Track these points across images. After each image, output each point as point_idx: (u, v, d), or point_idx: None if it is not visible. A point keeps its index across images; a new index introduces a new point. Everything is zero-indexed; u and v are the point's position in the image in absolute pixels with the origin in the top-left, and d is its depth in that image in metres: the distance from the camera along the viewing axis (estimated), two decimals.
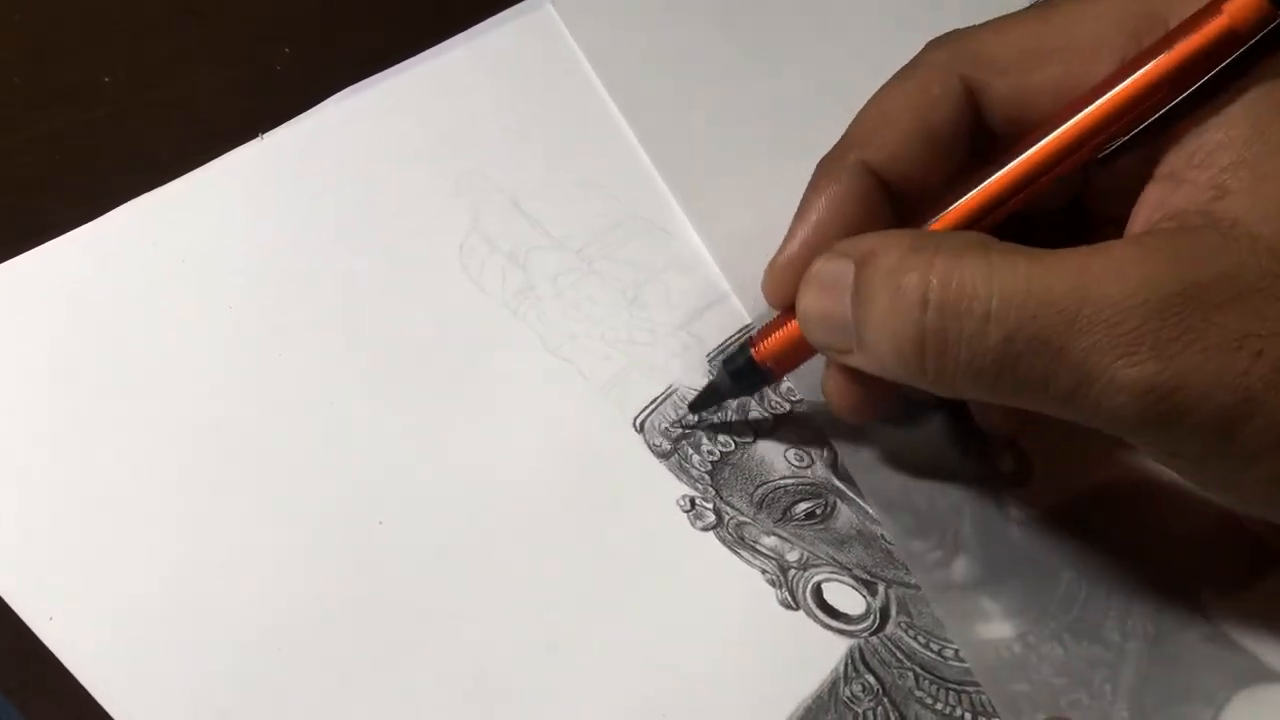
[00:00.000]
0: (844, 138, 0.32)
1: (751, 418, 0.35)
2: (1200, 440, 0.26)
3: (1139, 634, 0.32)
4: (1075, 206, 0.33)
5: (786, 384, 0.36)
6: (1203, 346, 0.24)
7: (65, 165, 0.39)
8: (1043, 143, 0.29)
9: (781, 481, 0.34)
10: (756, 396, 0.35)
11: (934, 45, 0.31)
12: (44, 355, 0.34)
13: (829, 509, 0.34)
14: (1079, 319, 0.25)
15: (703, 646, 0.31)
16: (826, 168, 0.31)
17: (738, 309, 0.37)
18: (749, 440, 0.34)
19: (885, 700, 0.31)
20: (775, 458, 0.34)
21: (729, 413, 0.35)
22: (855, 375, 0.31)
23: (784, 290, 0.32)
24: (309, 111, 0.39)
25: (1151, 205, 0.27)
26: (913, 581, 0.33)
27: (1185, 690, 0.31)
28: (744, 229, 0.38)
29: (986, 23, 0.31)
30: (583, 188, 0.39)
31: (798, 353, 0.32)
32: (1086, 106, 0.28)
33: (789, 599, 0.32)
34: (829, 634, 0.32)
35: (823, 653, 0.31)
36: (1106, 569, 0.33)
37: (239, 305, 0.35)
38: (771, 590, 0.32)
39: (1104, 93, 0.28)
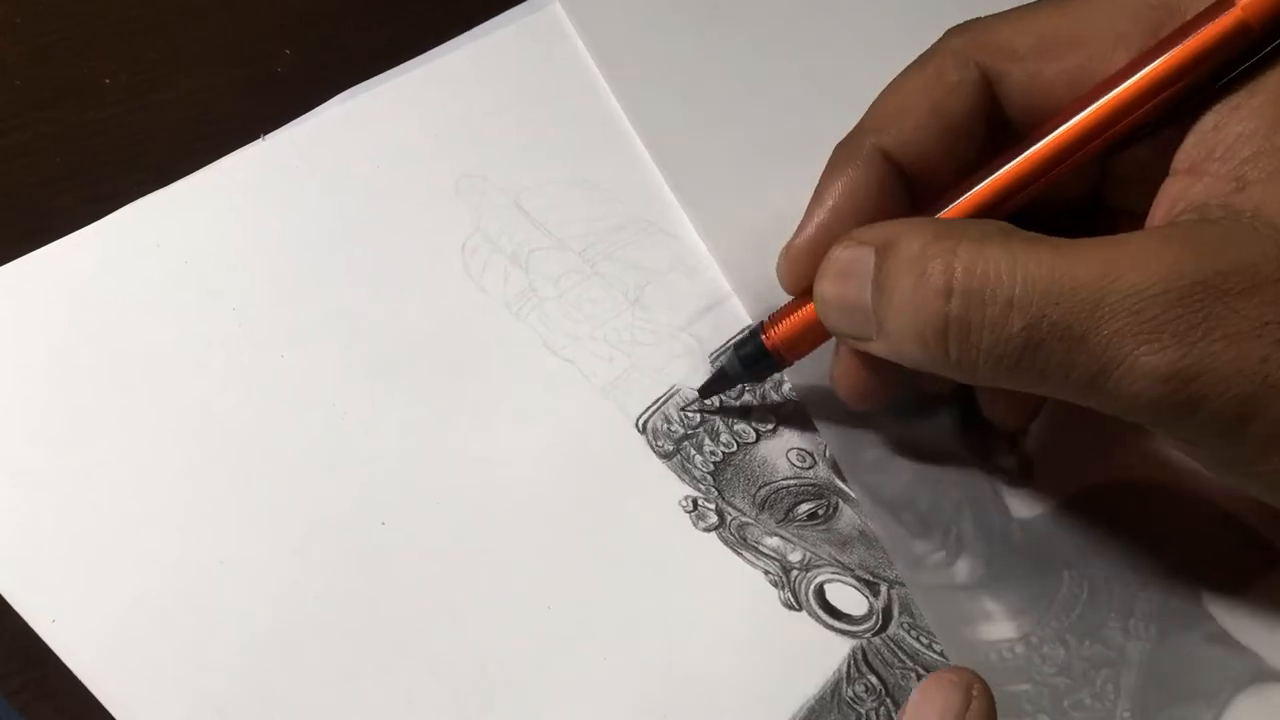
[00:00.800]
0: (861, 123, 0.32)
1: (753, 418, 0.35)
2: (1219, 426, 0.26)
3: (1142, 634, 0.32)
4: (1092, 199, 0.33)
5: (788, 384, 0.36)
6: (1223, 334, 0.25)
7: (67, 166, 0.39)
8: (1059, 131, 0.29)
9: (784, 482, 0.34)
10: (759, 396, 0.35)
11: (953, 33, 0.31)
12: (46, 357, 0.34)
13: (831, 509, 0.34)
14: (1101, 306, 0.25)
15: (705, 647, 0.31)
16: (843, 153, 0.31)
17: (739, 310, 0.37)
18: (751, 441, 0.34)
19: (888, 701, 0.31)
20: (777, 458, 0.34)
21: (734, 403, 0.35)
22: (865, 362, 0.31)
23: (799, 275, 0.32)
24: (311, 112, 0.39)
25: (1172, 197, 0.28)
26: (915, 581, 0.33)
27: (1188, 690, 0.31)
28: (747, 230, 0.38)
29: (1005, 12, 0.31)
30: (585, 189, 0.39)
31: (809, 339, 0.32)
32: (1103, 96, 0.28)
33: (791, 600, 0.32)
34: (831, 634, 0.32)
35: (825, 653, 0.31)
36: (1109, 568, 0.33)
37: (242, 306, 0.35)
38: (774, 591, 0.32)
39: (1120, 82, 0.28)
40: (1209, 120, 0.27)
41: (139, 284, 0.35)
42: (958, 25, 0.32)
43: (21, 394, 0.33)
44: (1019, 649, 0.32)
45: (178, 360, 0.34)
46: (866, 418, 0.35)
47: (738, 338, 0.35)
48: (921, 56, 0.32)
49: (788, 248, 0.32)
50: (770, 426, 0.35)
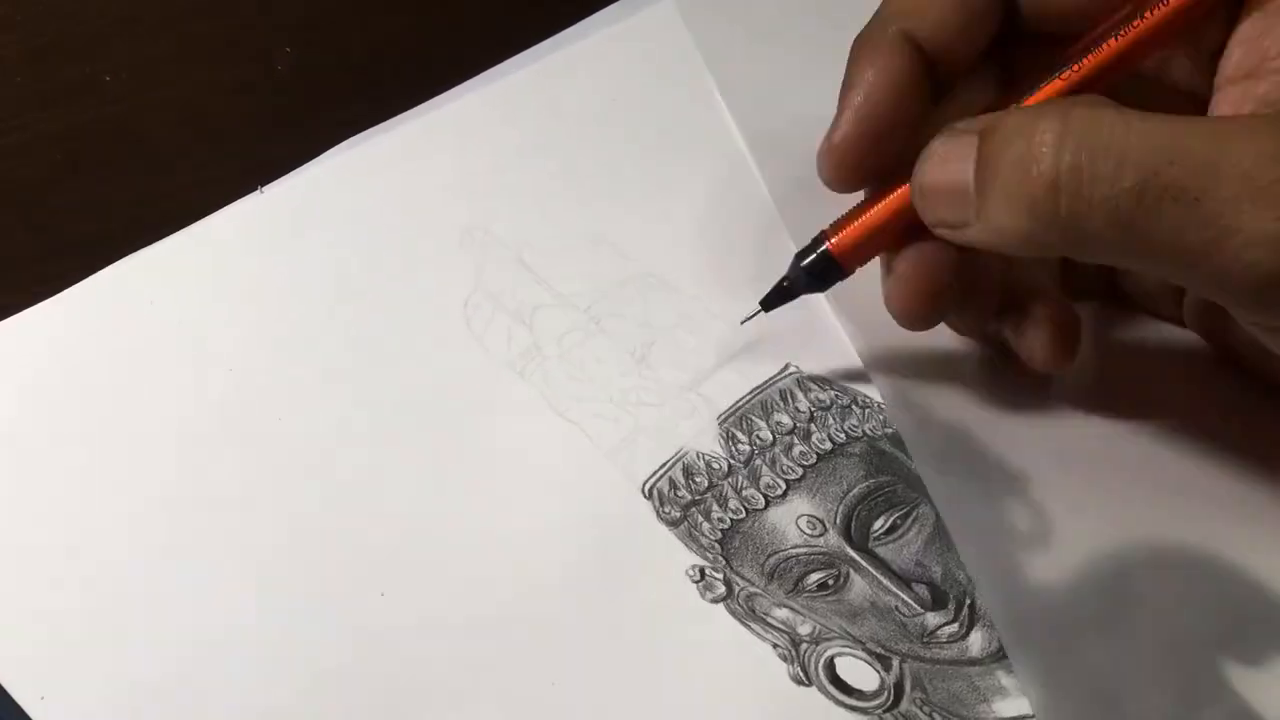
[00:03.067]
0: (881, 12, 0.32)
1: (763, 484, 0.34)
2: None
3: (1163, 707, 0.31)
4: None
5: (799, 448, 0.35)
6: None
7: (66, 165, 0.39)
8: (1137, 21, 0.29)
9: (793, 551, 0.33)
10: (768, 460, 0.34)
11: None
12: (36, 419, 0.33)
13: (842, 580, 0.33)
14: (1219, 170, 0.25)
15: None
16: (867, 42, 0.31)
17: (749, 369, 0.36)
18: (760, 507, 0.34)
19: None
20: (787, 525, 0.34)
21: (737, 481, 0.34)
22: (924, 277, 0.31)
23: (847, 170, 0.31)
24: (309, 164, 0.39)
25: (1233, 103, 0.28)
26: (927, 655, 0.32)
27: None
28: None
29: None
30: (589, 242, 0.38)
31: (874, 242, 0.32)
32: None
33: (801, 674, 0.31)
34: (842, 711, 0.31)
35: None
36: (1129, 637, 0.32)
37: (238, 367, 0.34)
38: (783, 665, 0.31)
39: None
40: (1249, 30, 0.28)
41: (132, 343, 0.35)
42: None
43: (9, 459, 0.32)
44: None
45: (171, 424, 0.33)
46: (881, 485, 0.34)
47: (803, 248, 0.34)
48: None
49: (827, 145, 0.32)
50: (780, 492, 0.34)
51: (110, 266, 0.36)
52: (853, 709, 0.31)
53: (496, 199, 0.39)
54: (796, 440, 0.35)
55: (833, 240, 0.32)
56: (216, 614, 0.31)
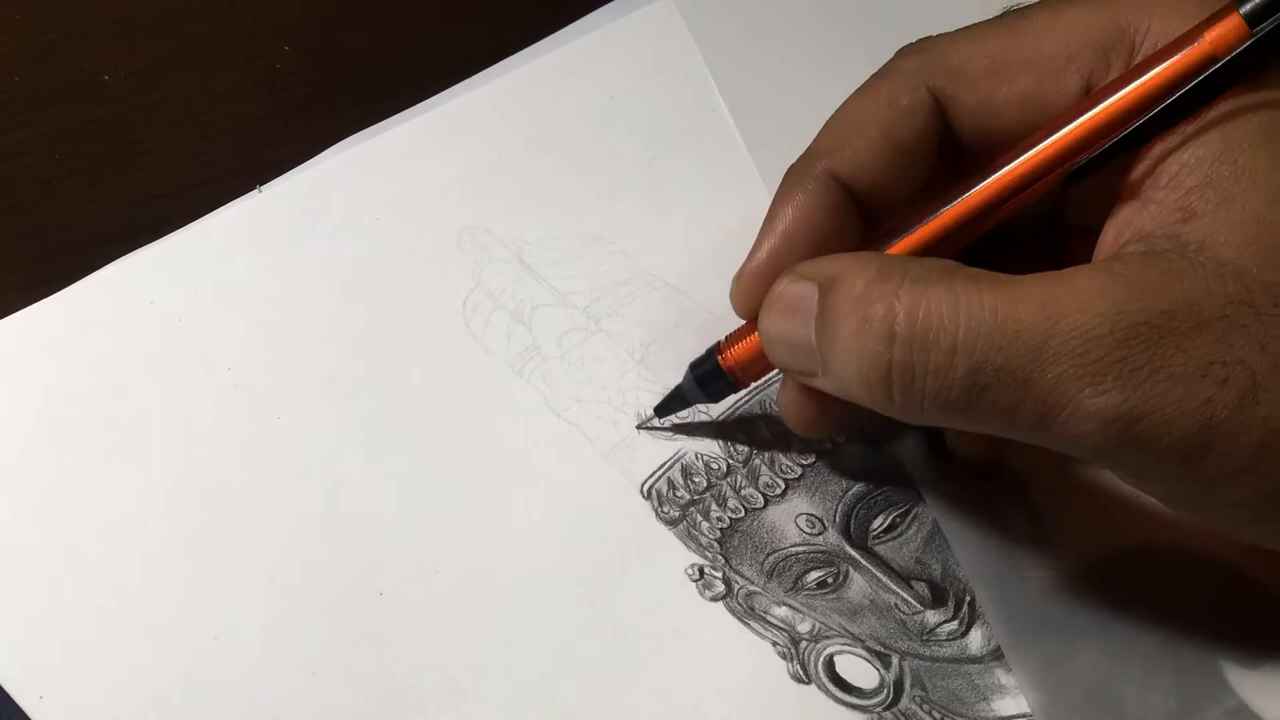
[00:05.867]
0: (811, 147, 0.32)
1: (762, 483, 0.34)
2: (1167, 467, 0.26)
3: (1160, 708, 0.31)
4: (1050, 216, 0.33)
5: (797, 447, 0.35)
6: (1167, 375, 0.25)
7: (66, 165, 0.39)
8: (1014, 164, 0.28)
9: (792, 549, 0.33)
10: (767, 460, 0.34)
11: (904, 53, 0.31)
12: (34, 419, 0.33)
13: (841, 577, 0.33)
14: (1045, 350, 0.25)
15: None
16: (794, 177, 0.31)
17: None
18: (759, 506, 0.34)
19: None
20: (786, 524, 0.34)
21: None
22: (812, 393, 0.31)
23: (751, 301, 0.31)
24: (308, 164, 0.39)
25: (1120, 224, 0.28)
26: (927, 653, 0.32)
27: None
28: None
29: (957, 31, 0.31)
30: (589, 242, 0.38)
31: (764, 362, 0.32)
32: (1059, 129, 0.28)
33: (800, 672, 0.31)
34: (842, 709, 0.31)
35: None
36: (1126, 639, 0.32)
37: (237, 367, 0.34)
38: (783, 663, 0.31)
39: (1078, 116, 0.28)
40: (1157, 147, 0.27)
41: (131, 343, 0.35)
42: (909, 45, 0.31)
43: (7, 459, 0.32)
44: None
45: (170, 423, 0.33)
46: (880, 483, 0.34)
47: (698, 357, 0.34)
48: (873, 78, 0.31)
49: (739, 274, 0.32)
50: (779, 491, 0.34)
51: (110, 266, 0.36)
52: (852, 707, 0.31)
53: (496, 199, 0.39)
54: (795, 439, 0.35)
55: (724, 354, 0.32)
56: (216, 613, 0.31)
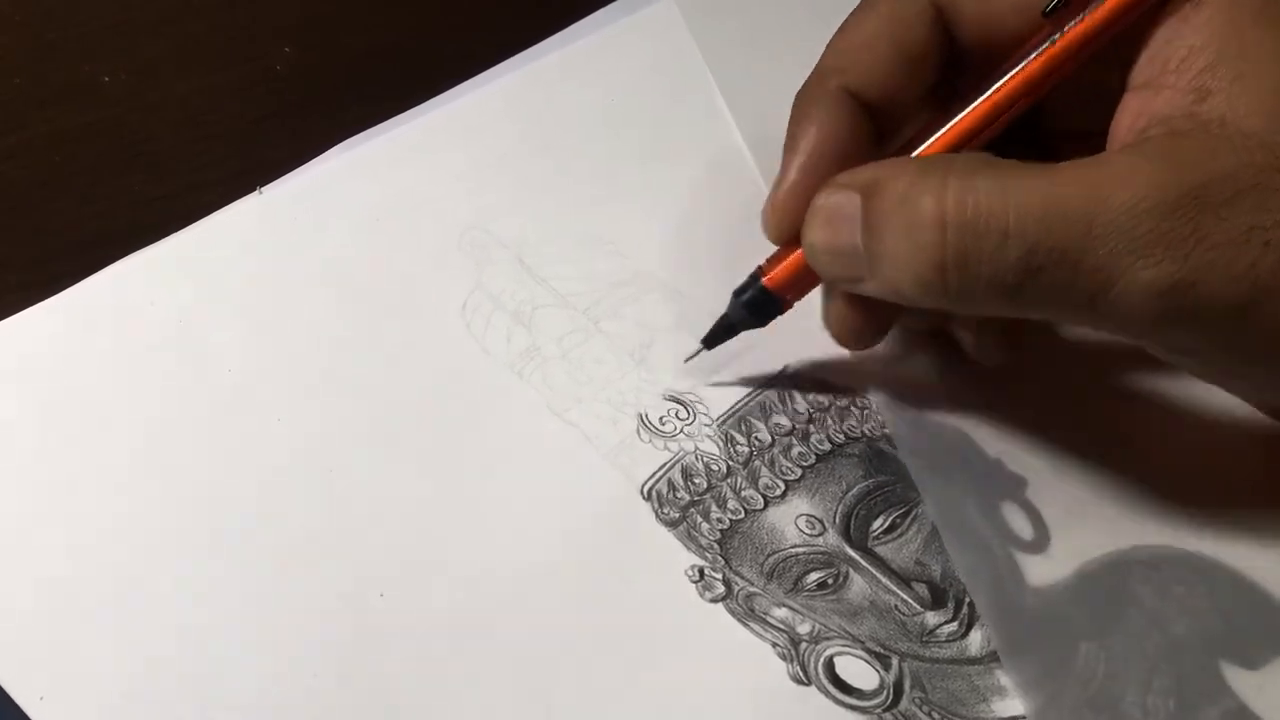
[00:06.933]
0: (820, 67, 0.32)
1: (762, 484, 0.34)
2: (1215, 332, 0.27)
3: (1160, 709, 0.31)
4: (1031, 122, 0.33)
5: (797, 449, 0.35)
6: (1212, 244, 0.25)
7: (66, 166, 0.39)
8: (1026, 62, 0.29)
9: (792, 550, 0.33)
10: (766, 461, 0.34)
11: None
12: (34, 421, 0.33)
13: (841, 579, 0.33)
14: (1094, 228, 0.26)
15: None
16: (808, 98, 0.32)
17: (746, 372, 0.36)
18: (759, 507, 0.34)
19: None
20: (786, 525, 0.34)
21: (739, 475, 0.34)
22: (857, 302, 0.32)
23: (787, 224, 0.32)
24: (308, 164, 0.39)
25: (1133, 113, 0.28)
26: (927, 655, 0.32)
27: None
28: None
29: None
30: (589, 243, 0.38)
31: (809, 279, 0.32)
32: (1069, 21, 0.29)
33: (800, 674, 0.31)
34: (842, 710, 0.31)
35: None
36: (1126, 640, 0.32)
37: (237, 368, 0.34)
38: (783, 665, 0.31)
39: (1083, 8, 0.29)
40: (1160, 35, 0.28)
41: (132, 343, 0.35)
42: None
43: (7, 459, 0.32)
44: None
45: (170, 425, 0.33)
46: (880, 484, 0.34)
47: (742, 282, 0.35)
48: None
49: (771, 199, 0.32)
50: (778, 493, 0.34)
51: (110, 266, 0.36)
52: (852, 708, 0.31)
53: (496, 199, 0.39)
54: (795, 441, 0.35)
55: (768, 275, 0.33)
56: (216, 614, 0.31)
